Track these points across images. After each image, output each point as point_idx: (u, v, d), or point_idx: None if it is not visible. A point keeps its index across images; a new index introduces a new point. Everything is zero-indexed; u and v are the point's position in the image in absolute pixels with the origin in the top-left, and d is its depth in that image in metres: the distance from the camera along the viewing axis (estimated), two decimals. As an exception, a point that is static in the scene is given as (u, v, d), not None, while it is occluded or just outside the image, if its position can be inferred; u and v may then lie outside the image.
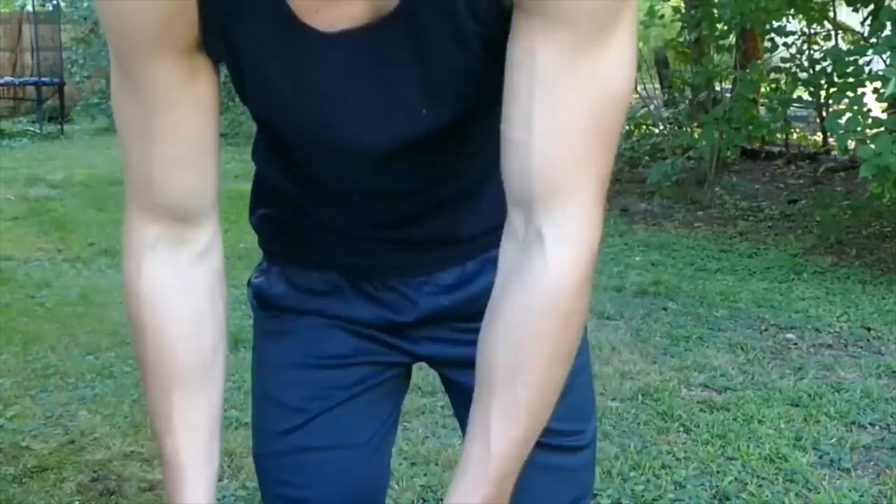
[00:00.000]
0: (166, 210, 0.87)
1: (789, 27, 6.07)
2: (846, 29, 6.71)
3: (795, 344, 3.41)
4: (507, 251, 0.82)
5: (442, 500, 2.20)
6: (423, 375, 3.02)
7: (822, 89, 5.85)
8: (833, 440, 2.50)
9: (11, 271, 4.64)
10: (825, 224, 5.28)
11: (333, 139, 0.87)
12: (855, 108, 4.39)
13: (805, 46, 6.42)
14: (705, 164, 6.76)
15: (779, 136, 7.36)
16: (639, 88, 7.51)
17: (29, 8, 16.31)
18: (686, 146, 6.74)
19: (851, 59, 4.80)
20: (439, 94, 0.83)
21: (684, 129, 7.38)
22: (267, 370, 1.10)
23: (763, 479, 2.29)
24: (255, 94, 0.87)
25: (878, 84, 4.73)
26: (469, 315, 0.97)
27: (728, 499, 2.19)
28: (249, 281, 1.10)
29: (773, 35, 5.89)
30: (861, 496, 2.19)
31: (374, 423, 1.09)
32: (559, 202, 0.79)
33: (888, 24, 4.74)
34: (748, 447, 2.45)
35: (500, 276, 0.83)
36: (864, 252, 4.98)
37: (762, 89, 6.74)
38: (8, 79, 14.80)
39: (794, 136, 8.22)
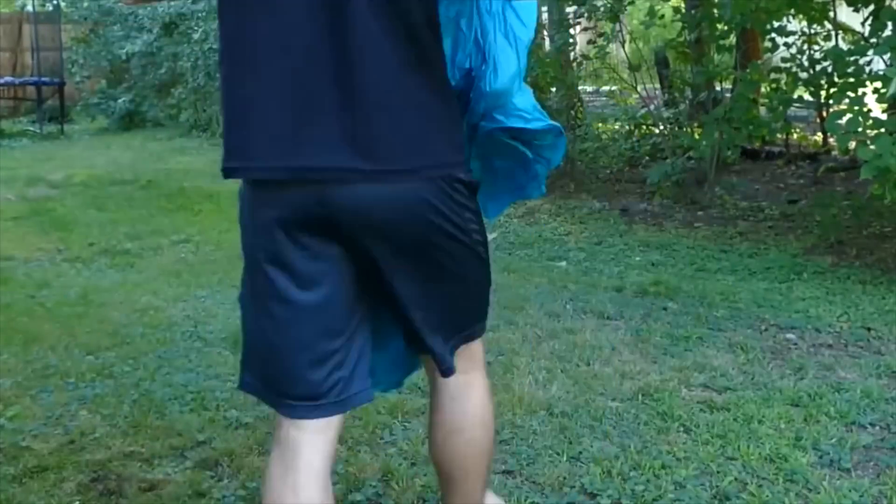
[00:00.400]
0: None
1: (790, 27, 6.06)
2: (846, 29, 6.70)
3: (795, 344, 3.41)
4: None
5: (442, 500, 2.20)
6: (423, 375, 3.02)
7: (823, 89, 5.85)
8: (833, 440, 2.50)
9: (11, 271, 4.64)
10: (825, 224, 5.28)
11: None
12: (855, 108, 4.38)
13: (805, 46, 6.42)
14: (705, 164, 6.75)
15: (779, 136, 7.35)
16: (639, 88, 7.52)
17: (29, 8, 16.32)
18: (686, 146, 6.73)
19: (852, 59, 4.79)
20: None
21: (684, 129, 7.38)
22: None
23: (763, 479, 2.28)
24: None
25: (878, 84, 4.73)
26: None
27: (728, 499, 2.19)
28: None
29: (773, 35, 5.88)
30: (861, 496, 2.19)
31: None
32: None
33: (889, 24, 4.74)
34: (748, 447, 2.44)
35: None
36: (865, 252, 4.98)
37: (762, 89, 6.73)
38: (8, 79, 14.80)
39: (795, 136, 8.22)
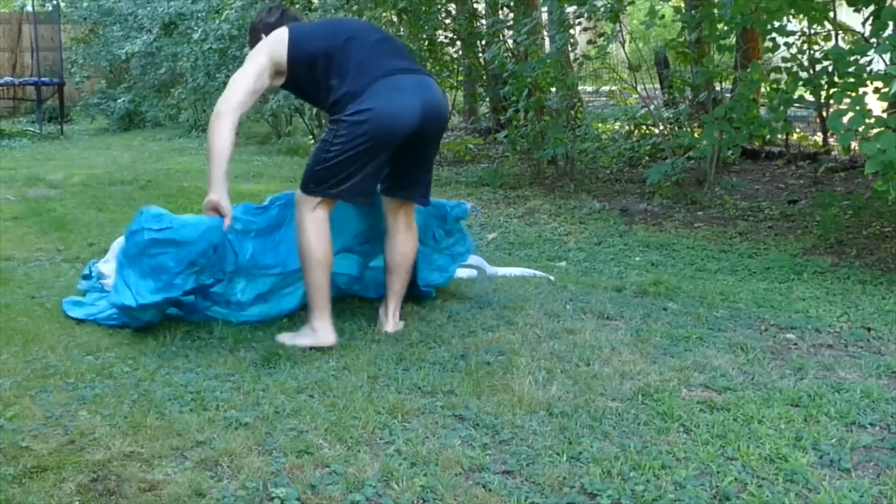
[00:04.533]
0: None
1: (790, 27, 6.06)
2: (846, 29, 6.70)
3: (795, 344, 3.41)
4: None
5: (442, 500, 2.20)
6: (424, 375, 3.02)
7: (823, 89, 5.85)
8: (833, 440, 2.50)
9: (11, 271, 4.63)
10: (825, 224, 5.28)
11: None
12: (857, 108, 4.38)
13: (805, 46, 6.41)
14: (705, 164, 6.76)
15: (779, 136, 7.36)
16: (639, 88, 7.52)
17: (29, 8, 16.31)
18: (686, 146, 6.73)
19: (853, 58, 4.79)
20: None
21: (684, 129, 7.38)
22: None
23: (763, 479, 2.28)
24: None
25: (878, 84, 4.73)
26: None
27: (728, 499, 2.19)
28: None
29: (773, 35, 5.88)
30: (861, 496, 2.19)
31: None
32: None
33: (890, 23, 4.73)
34: (748, 447, 2.44)
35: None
36: (865, 252, 4.98)
37: (762, 89, 6.73)
38: (8, 79, 14.81)
39: (795, 136, 8.22)
